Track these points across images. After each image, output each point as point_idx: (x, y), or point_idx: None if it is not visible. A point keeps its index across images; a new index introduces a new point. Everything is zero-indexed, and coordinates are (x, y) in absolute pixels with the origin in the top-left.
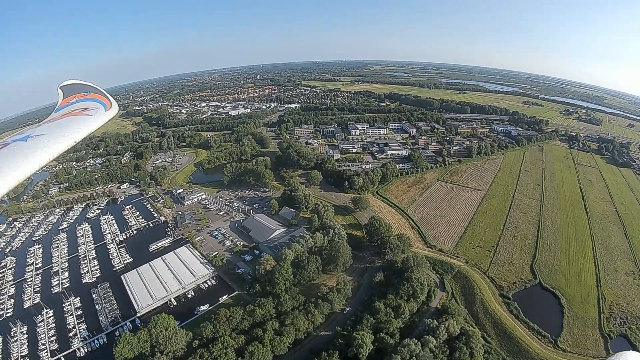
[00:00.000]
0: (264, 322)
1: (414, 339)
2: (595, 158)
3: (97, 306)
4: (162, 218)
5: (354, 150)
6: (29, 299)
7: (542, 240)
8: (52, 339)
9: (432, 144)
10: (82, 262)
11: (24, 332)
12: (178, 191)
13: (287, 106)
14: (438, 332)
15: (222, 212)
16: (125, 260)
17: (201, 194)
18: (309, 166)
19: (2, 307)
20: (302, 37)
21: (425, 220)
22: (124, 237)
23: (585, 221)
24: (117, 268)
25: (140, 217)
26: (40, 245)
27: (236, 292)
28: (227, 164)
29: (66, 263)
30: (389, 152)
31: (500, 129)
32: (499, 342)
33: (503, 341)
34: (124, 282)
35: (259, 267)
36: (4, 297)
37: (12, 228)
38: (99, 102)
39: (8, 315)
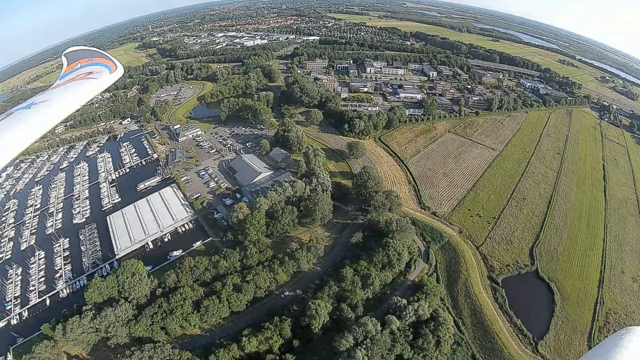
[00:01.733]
0: (226, 274)
1: (374, 318)
2: (625, 135)
3: (82, 247)
4: (155, 155)
5: (365, 90)
6: (26, 241)
7: (550, 219)
8: (41, 280)
9: (451, 90)
10: (75, 203)
11: (19, 273)
12: (175, 127)
13: (305, 38)
14: (405, 312)
15: (213, 150)
16: (114, 200)
17: (197, 130)
18: (312, 104)
19: (3, 249)
20: None
21: (425, 176)
22: (117, 175)
23: (601, 205)
24: (105, 208)
25: (135, 154)
26: (40, 186)
27: (210, 238)
28: (225, 99)
29: (61, 204)
30: (402, 95)
31: (528, 84)
32: (473, 334)
33: (478, 333)
34: (109, 223)
35: (233, 214)
36: (4, 240)
37: (18, 169)
38: (104, 66)
39: (7, 257)
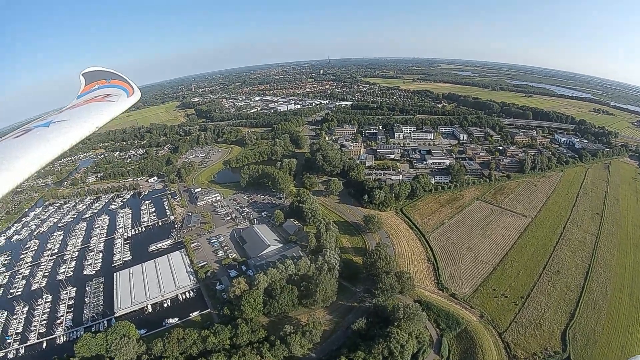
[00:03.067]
0: (214, 351)
1: None
2: None
3: (86, 299)
4: (172, 217)
5: (392, 157)
6: (37, 282)
7: (587, 294)
8: (43, 322)
9: (481, 154)
10: (89, 254)
11: (24, 312)
12: (196, 190)
13: (338, 103)
14: None
15: (228, 218)
16: (125, 257)
17: (216, 195)
18: (334, 172)
19: (15, 286)
20: (373, 34)
21: (447, 251)
22: (133, 233)
23: None
24: (115, 264)
25: (154, 214)
26: (62, 232)
27: (208, 310)
28: (246, 166)
29: (77, 252)
30: (430, 161)
31: (563, 139)
32: None
33: None
34: (115, 280)
35: (231, 288)
36: (19, 277)
37: (45, 212)
38: (121, 89)
39: (17, 294)
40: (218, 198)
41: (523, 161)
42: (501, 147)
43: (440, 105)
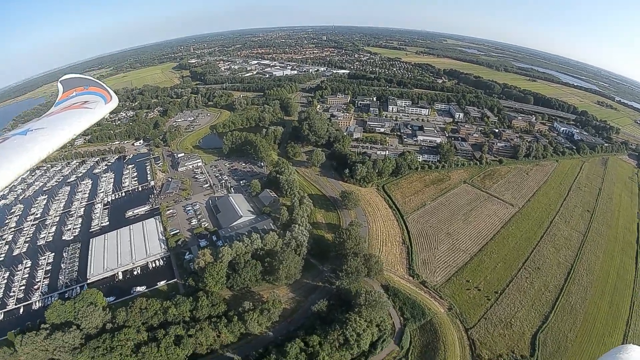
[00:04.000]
0: (174, 323)
1: None
2: None
3: (62, 265)
4: (152, 183)
5: (382, 130)
6: (19, 247)
7: (565, 296)
8: (21, 288)
9: (475, 134)
10: (69, 219)
11: (5, 277)
12: (179, 155)
13: (335, 71)
14: None
15: (206, 185)
16: (103, 223)
17: (197, 161)
18: (319, 143)
19: None
20: (382, 2)
21: (425, 235)
22: (113, 197)
23: (631, 276)
24: (92, 230)
25: (136, 178)
26: (46, 196)
27: (175, 279)
28: (228, 132)
29: (58, 217)
30: (420, 138)
31: (562, 128)
32: None
33: None
34: (90, 245)
35: (195, 260)
36: (2, 242)
37: (32, 175)
38: (99, 95)
39: (0, 259)
40: (199, 164)
41: (517, 147)
42: (497, 130)
43: (440, 81)
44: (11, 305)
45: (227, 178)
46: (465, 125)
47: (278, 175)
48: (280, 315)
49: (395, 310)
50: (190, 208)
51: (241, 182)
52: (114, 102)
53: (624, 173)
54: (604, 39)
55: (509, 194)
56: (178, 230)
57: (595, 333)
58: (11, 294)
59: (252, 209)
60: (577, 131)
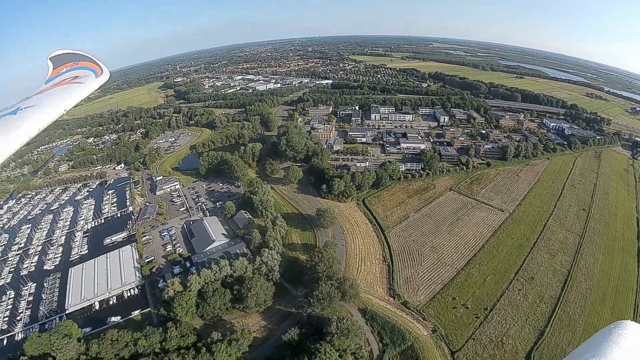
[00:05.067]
0: (144, 354)
1: None
2: None
3: (43, 295)
4: (131, 208)
5: (363, 140)
6: (3, 278)
7: (563, 306)
8: (5, 319)
9: (460, 138)
10: (51, 248)
11: None
12: (157, 178)
13: (318, 82)
14: None
15: (183, 208)
16: (82, 251)
17: (175, 183)
18: (297, 158)
19: None
20: (367, 10)
21: (407, 250)
22: (93, 225)
23: (634, 276)
24: (72, 258)
25: (115, 204)
26: (29, 225)
27: (149, 309)
28: (205, 153)
29: (40, 247)
30: (404, 145)
31: (551, 124)
32: None
33: None
34: (69, 275)
35: (165, 289)
36: None
37: (18, 204)
38: (90, 70)
39: None
40: (177, 186)
41: (506, 147)
42: (484, 131)
43: (425, 85)
44: None
45: (203, 200)
46: (451, 129)
47: (252, 196)
48: (251, 345)
49: (373, 335)
50: (166, 233)
51: (217, 203)
52: (105, 76)
53: (619, 165)
54: (590, 32)
55: (498, 198)
56: (153, 258)
57: None
58: None
59: (226, 232)
60: (568, 126)
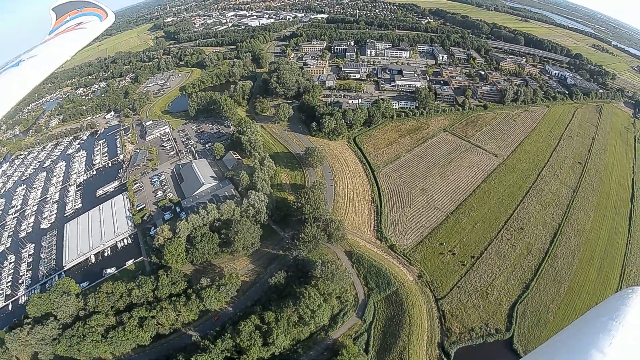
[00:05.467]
0: (138, 304)
1: None
2: None
3: (42, 255)
4: (121, 157)
5: (357, 76)
6: (3, 243)
7: (550, 261)
8: (8, 284)
9: (458, 78)
10: (46, 206)
11: None
12: (147, 123)
13: (313, 16)
14: None
15: (173, 152)
16: (76, 205)
17: (165, 127)
18: (288, 95)
19: None
20: None
21: (397, 192)
22: (85, 177)
23: (623, 239)
24: (67, 214)
25: (106, 154)
26: (24, 186)
27: (142, 257)
28: (193, 94)
29: (36, 206)
30: (399, 82)
31: (554, 72)
32: None
33: None
34: (64, 231)
35: (156, 237)
36: None
37: (12, 166)
38: (94, 15)
39: None
40: (167, 130)
41: (505, 90)
42: (483, 72)
43: (425, 22)
44: (0, 302)
45: (193, 142)
46: (449, 68)
47: (240, 136)
48: (239, 290)
49: (359, 279)
50: (156, 179)
51: (207, 145)
52: (110, 19)
53: (619, 122)
54: None
55: (493, 142)
56: (144, 205)
57: (581, 305)
58: (0, 291)
59: (215, 175)
60: (571, 75)
